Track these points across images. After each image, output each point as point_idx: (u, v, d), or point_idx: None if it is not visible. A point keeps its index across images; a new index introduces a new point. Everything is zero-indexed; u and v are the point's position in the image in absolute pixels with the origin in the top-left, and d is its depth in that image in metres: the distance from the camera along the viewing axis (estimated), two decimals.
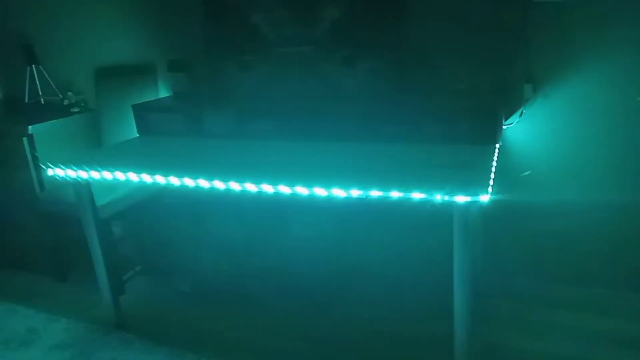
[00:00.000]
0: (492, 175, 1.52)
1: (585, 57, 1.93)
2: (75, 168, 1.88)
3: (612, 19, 1.86)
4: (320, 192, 1.54)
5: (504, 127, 1.97)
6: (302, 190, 1.56)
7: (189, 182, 1.71)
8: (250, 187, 1.62)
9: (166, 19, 2.57)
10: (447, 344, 1.63)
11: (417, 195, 1.44)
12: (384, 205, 1.48)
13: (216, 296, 2.36)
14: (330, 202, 1.55)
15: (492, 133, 1.82)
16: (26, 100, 2.83)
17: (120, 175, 1.81)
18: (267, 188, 1.60)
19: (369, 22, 2.13)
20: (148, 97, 2.58)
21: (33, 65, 2.82)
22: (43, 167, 2.37)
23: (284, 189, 1.58)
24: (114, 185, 2.04)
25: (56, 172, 1.92)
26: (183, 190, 1.75)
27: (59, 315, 2.28)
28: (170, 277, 2.54)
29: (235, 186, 1.65)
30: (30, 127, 2.43)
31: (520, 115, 2.05)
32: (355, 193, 1.50)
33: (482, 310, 1.94)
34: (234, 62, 2.38)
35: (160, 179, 1.75)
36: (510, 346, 1.88)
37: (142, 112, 2.35)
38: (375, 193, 1.48)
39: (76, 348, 2.05)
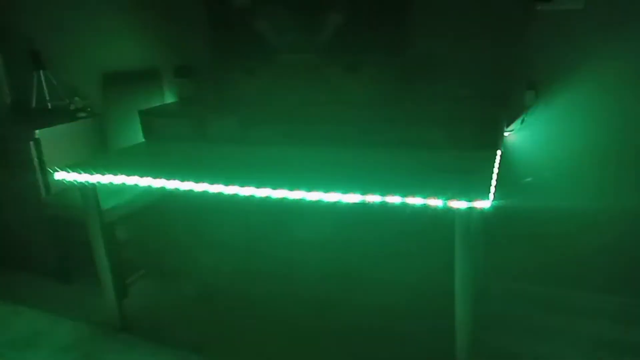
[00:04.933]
0: (494, 181, 1.54)
1: (586, 64, 1.94)
2: (81, 172, 1.91)
3: (612, 27, 1.88)
4: (323, 196, 1.56)
5: (505, 133, 1.98)
6: (304, 195, 1.58)
7: (193, 186, 1.73)
8: (254, 192, 1.64)
9: (172, 25, 2.59)
10: (449, 349, 1.64)
11: (419, 201, 1.45)
12: (386, 210, 1.49)
13: (219, 299, 2.38)
14: (332, 206, 1.57)
15: (493, 139, 1.83)
16: (33, 105, 2.86)
17: (125, 180, 1.84)
18: (271, 192, 1.62)
19: (372, 29, 2.15)
20: (154, 102, 2.61)
21: (40, 71, 2.85)
22: (49, 170, 2.40)
23: (287, 194, 1.60)
24: (119, 189, 2.06)
25: (62, 176, 1.94)
26: (187, 195, 1.77)
27: (63, 317, 2.29)
28: (174, 280, 2.56)
29: (238, 190, 1.67)
30: (37, 131, 2.46)
31: (522, 122, 2.07)
32: (358, 198, 1.52)
33: (484, 315, 1.94)
34: (238, 68, 2.41)
35: (165, 184, 1.78)
36: (511, 351, 1.88)
37: (148, 117, 2.38)
38: (377, 198, 1.50)
39: (81, 350, 2.06)
